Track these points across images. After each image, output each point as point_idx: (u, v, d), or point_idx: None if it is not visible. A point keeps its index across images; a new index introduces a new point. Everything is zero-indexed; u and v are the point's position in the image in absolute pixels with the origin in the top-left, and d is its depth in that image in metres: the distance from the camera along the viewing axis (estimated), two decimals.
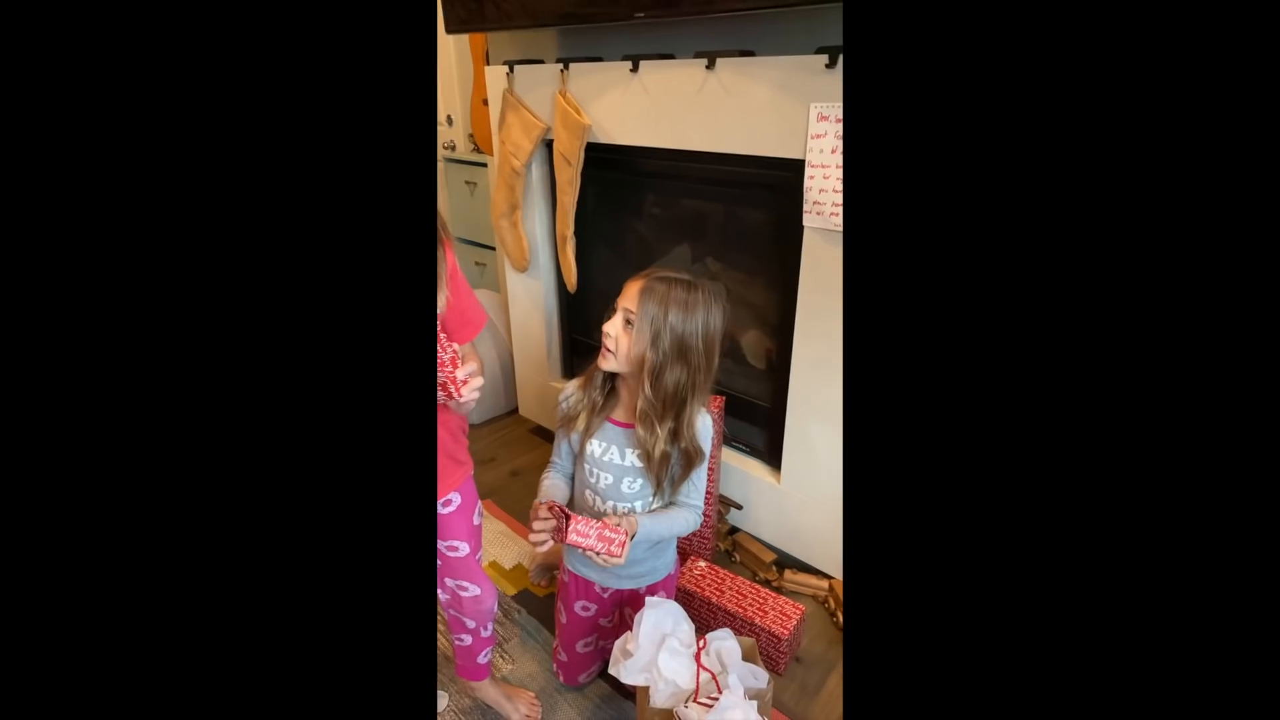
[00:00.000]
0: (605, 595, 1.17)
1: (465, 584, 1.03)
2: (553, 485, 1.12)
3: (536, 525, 0.98)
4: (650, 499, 1.08)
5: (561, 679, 1.26)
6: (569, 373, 2.09)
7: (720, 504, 1.59)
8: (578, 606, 1.19)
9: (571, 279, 1.79)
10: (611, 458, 1.06)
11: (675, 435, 1.01)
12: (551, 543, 0.98)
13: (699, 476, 1.08)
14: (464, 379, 0.80)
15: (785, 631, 1.24)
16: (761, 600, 1.31)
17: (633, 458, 1.05)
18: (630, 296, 0.98)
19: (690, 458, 1.04)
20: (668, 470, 1.04)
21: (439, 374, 0.79)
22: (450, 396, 0.81)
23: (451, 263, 0.87)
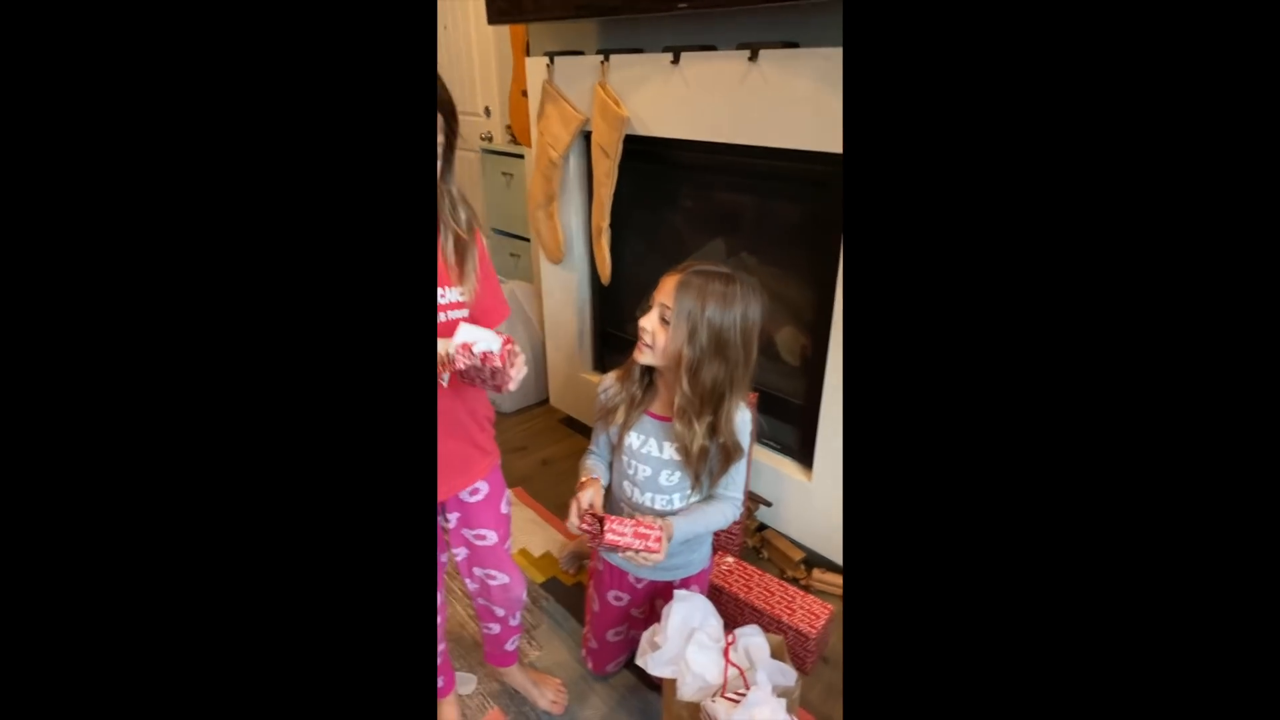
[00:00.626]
0: (639, 586, 1.17)
1: (494, 572, 1.03)
2: (594, 465, 1.12)
3: (574, 518, 0.98)
4: (688, 492, 1.07)
5: (590, 666, 1.27)
6: (599, 365, 2.09)
7: (749, 500, 1.58)
8: (610, 595, 1.19)
9: (605, 271, 1.79)
10: (649, 450, 1.06)
11: (714, 430, 1.01)
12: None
13: (738, 470, 1.07)
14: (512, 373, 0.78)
15: (813, 631, 1.23)
16: (790, 598, 1.30)
17: (670, 451, 1.05)
18: (666, 291, 0.97)
19: (729, 453, 1.03)
20: (706, 465, 1.04)
21: (504, 367, 0.75)
22: (498, 389, 0.79)
23: (482, 251, 0.88)
